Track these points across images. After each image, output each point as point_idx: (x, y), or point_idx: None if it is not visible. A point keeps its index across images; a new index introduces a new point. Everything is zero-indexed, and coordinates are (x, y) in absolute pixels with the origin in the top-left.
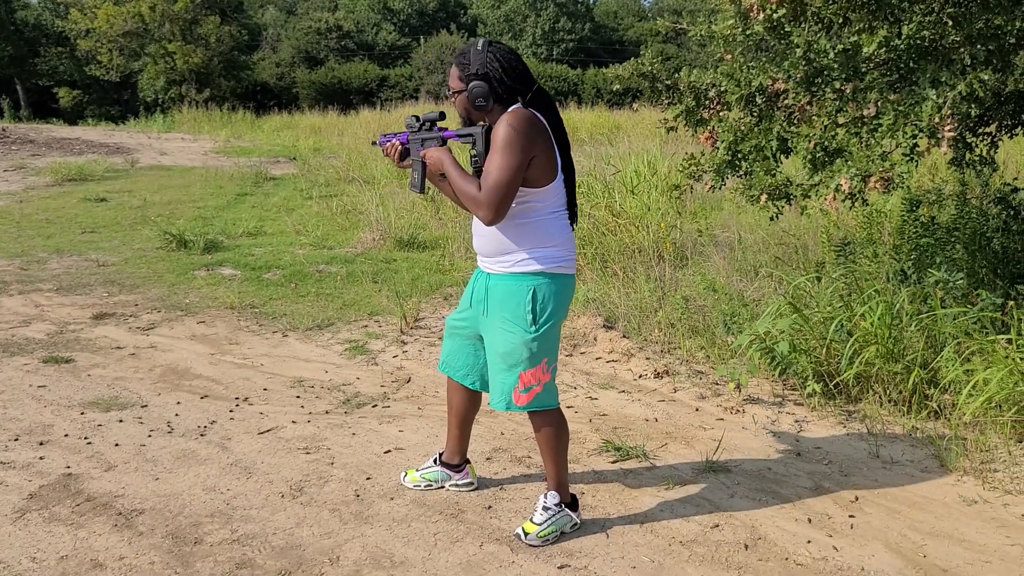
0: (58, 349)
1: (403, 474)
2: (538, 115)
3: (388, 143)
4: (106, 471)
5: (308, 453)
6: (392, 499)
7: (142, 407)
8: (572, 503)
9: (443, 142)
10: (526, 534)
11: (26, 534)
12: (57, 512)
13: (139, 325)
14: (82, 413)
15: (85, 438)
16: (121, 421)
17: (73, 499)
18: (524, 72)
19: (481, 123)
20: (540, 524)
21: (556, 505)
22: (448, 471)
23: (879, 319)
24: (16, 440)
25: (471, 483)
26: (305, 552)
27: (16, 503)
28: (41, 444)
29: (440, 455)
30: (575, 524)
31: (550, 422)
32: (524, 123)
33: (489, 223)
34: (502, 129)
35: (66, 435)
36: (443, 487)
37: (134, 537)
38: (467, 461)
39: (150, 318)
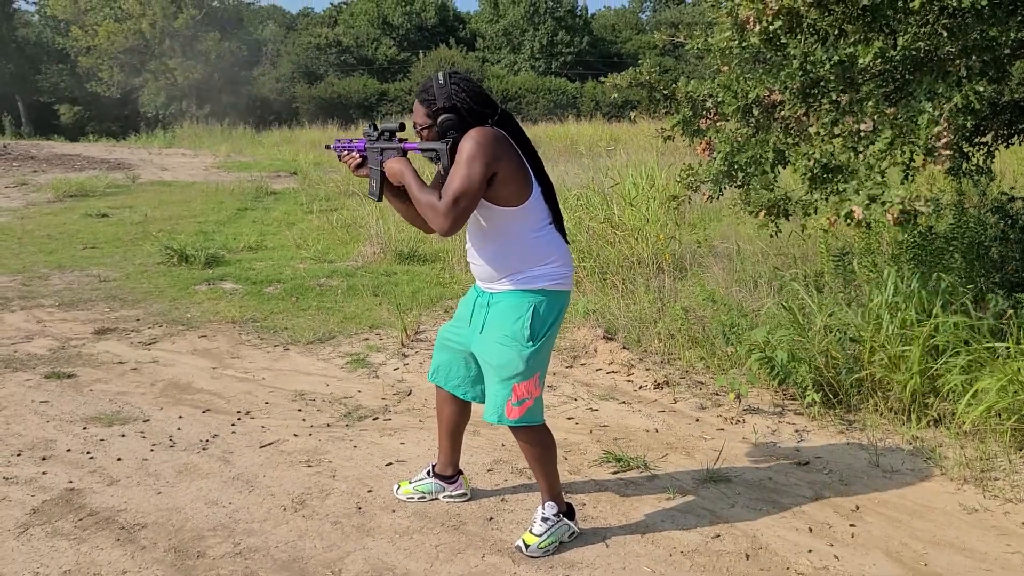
0: (60, 364)
1: (396, 486)
2: (503, 133)
3: (344, 150)
4: (108, 486)
5: (310, 466)
6: (394, 511)
7: (144, 421)
8: (569, 512)
9: (403, 153)
10: (527, 546)
11: (29, 549)
12: (60, 527)
13: (141, 340)
14: (84, 428)
15: (87, 453)
16: (123, 436)
17: (76, 514)
18: (489, 97)
19: (444, 140)
20: (540, 535)
21: (555, 515)
22: (441, 482)
23: (879, 328)
24: (19, 455)
25: (464, 494)
26: (308, 565)
27: (19, 518)
28: (44, 459)
29: (433, 467)
30: (573, 533)
31: (537, 437)
32: (489, 137)
33: (444, 232)
34: (467, 143)
35: (68, 450)
36: (437, 498)
37: (137, 551)
38: (460, 472)
39: (152, 333)
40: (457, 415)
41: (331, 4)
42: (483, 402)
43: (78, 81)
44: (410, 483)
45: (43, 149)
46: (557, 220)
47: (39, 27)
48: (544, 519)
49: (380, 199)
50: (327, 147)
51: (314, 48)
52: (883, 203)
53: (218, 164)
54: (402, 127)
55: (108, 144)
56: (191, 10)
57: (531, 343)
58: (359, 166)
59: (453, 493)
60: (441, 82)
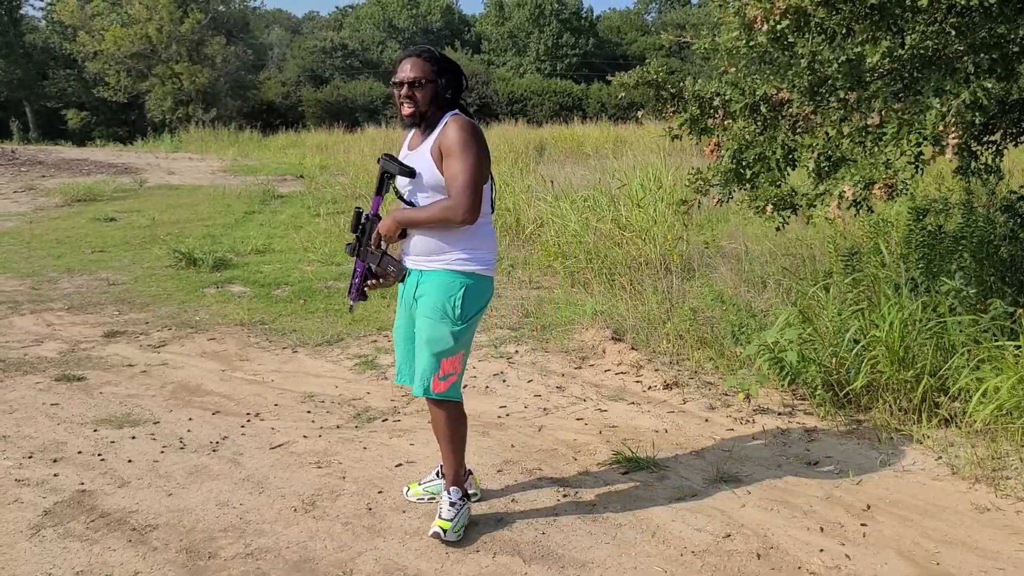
0: (70, 367)
1: (406, 488)
2: (476, 123)
3: (365, 286)
4: (120, 487)
5: (320, 467)
6: (404, 512)
7: (154, 424)
8: (465, 495)
9: (378, 218)
10: (444, 531)
11: (42, 550)
12: (72, 528)
13: (150, 343)
14: (95, 430)
15: (99, 455)
16: (134, 438)
17: (87, 515)
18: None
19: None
20: (452, 519)
21: (460, 499)
22: None
23: (889, 327)
24: (30, 457)
25: (475, 494)
26: (319, 565)
27: (31, 520)
28: (55, 461)
29: (441, 467)
30: (469, 512)
31: (456, 412)
32: (472, 126)
33: (469, 223)
34: (454, 133)
35: (80, 452)
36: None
37: (148, 552)
38: (469, 472)
39: (161, 336)
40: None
41: (336, 8)
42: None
43: (85, 86)
44: (419, 484)
45: (51, 154)
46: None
47: (46, 32)
48: (452, 504)
49: (401, 276)
50: (351, 310)
51: (319, 51)
52: (868, 183)
53: (225, 168)
54: (358, 211)
55: (115, 149)
56: (197, 14)
57: (460, 321)
58: (378, 275)
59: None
60: (438, 53)
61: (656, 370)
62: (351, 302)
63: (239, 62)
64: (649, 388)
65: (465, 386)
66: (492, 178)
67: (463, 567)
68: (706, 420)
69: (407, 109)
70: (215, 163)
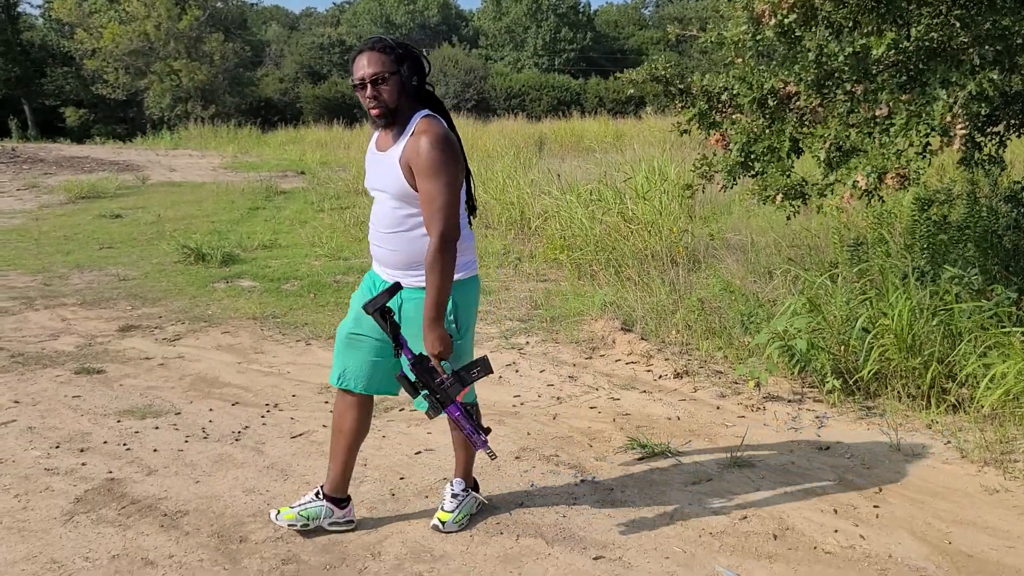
0: (88, 360)
1: (274, 512)
2: (448, 131)
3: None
4: (147, 475)
5: None
6: (427, 497)
7: (176, 414)
8: (475, 486)
9: (423, 356)
10: (443, 523)
11: (77, 535)
12: (104, 515)
13: (165, 336)
14: (118, 421)
15: (124, 444)
16: (157, 428)
17: (118, 502)
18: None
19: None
20: (452, 511)
21: (463, 491)
22: (332, 506)
23: (898, 316)
24: (57, 448)
25: (351, 522)
26: (348, 548)
27: (64, 507)
28: (82, 451)
29: (322, 487)
30: (480, 504)
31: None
32: (444, 142)
33: (457, 237)
34: (426, 151)
35: (105, 442)
36: (321, 525)
37: (181, 537)
38: (349, 497)
39: (175, 329)
40: (358, 427)
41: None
42: (393, 392)
43: (83, 83)
44: (292, 508)
45: (51, 151)
46: (470, 201)
47: (44, 30)
48: (454, 495)
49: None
50: (493, 456)
51: (317, 48)
52: (881, 173)
53: (226, 165)
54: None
55: (115, 146)
56: (195, 11)
57: (459, 335)
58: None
59: (340, 520)
60: (387, 38)
61: (666, 359)
62: (491, 452)
63: (237, 59)
64: (660, 377)
65: None
66: (469, 171)
67: (488, 549)
68: (717, 408)
69: (375, 110)
70: (216, 160)
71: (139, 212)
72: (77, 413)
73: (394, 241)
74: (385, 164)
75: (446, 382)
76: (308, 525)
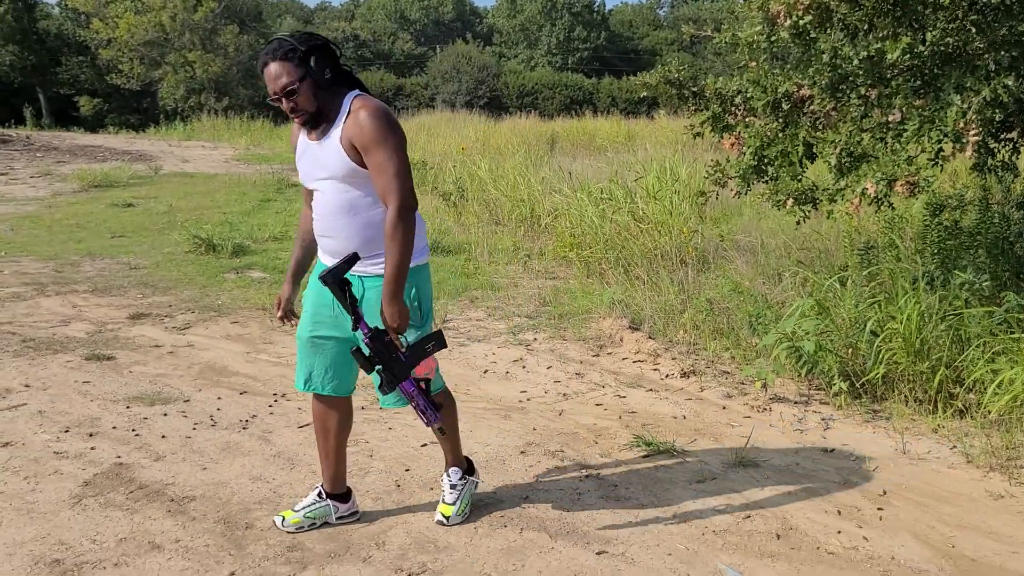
0: (99, 347)
1: (280, 518)
2: (384, 103)
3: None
4: (155, 461)
5: (348, 446)
6: (431, 489)
7: (184, 402)
8: (470, 468)
9: (380, 330)
10: (447, 518)
11: (85, 518)
12: (112, 498)
13: (175, 325)
14: (127, 407)
15: (132, 430)
16: (165, 415)
17: (126, 487)
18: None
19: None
20: (454, 503)
21: (460, 479)
22: (336, 503)
23: (907, 320)
24: (67, 432)
25: (356, 512)
26: (352, 537)
27: (72, 490)
28: (91, 436)
29: (322, 486)
30: (477, 484)
31: (446, 401)
32: (383, 112)
33: (416, 205)
34: (368, 123)
35: (114, 427)
36: (328, 522)
37: (188, 522)
38: (350, 490)
39: (185, 318)
40: (344, 423)
41: None
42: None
43: (98, 73)
44: (295, 511)
45: (64, 140)
46: None
47: (60, 19)
48: (452, 486)
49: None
50: (442, 431)
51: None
52: (891, 180)
53: (238, 156)
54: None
55: (128, 136)
56: (210, 3)
57: (423, 321)
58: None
59: (345, 514)
60: (287, 33)
61: (673, 359)
62: (438, 425)
63: (252, 51)
64: (667, 376)
65: (486, 371)
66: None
67: (491, 541)
68: (723, 407)
69: (299, 118)
70: (228, 151)
71: (151, 202)
72: (87, 398)
73: (348, 228)
74: (326, 150)
75: (403, 356)
76: (315, 524)
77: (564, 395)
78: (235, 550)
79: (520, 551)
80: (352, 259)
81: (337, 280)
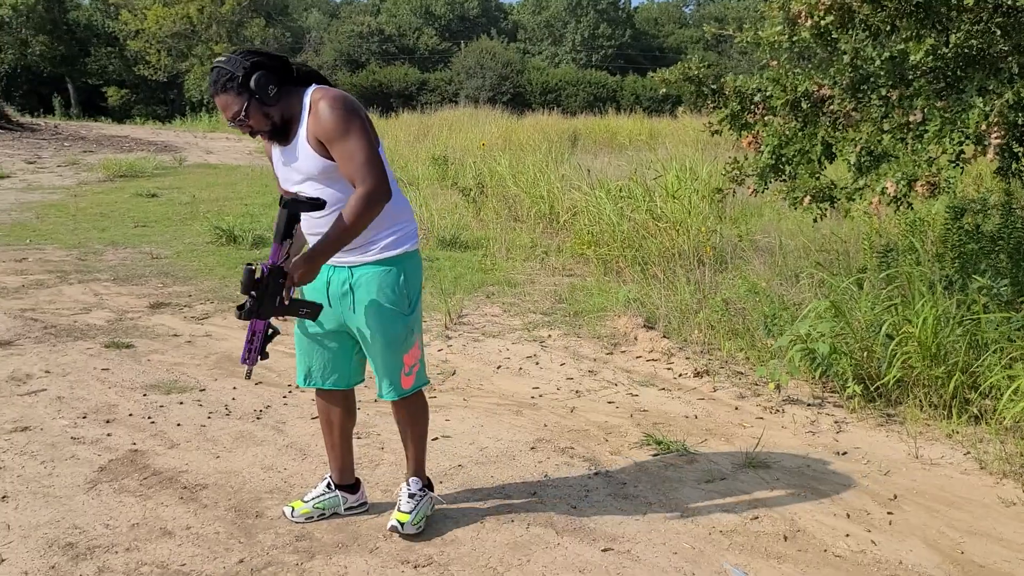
0: (118, 335)
1: (289, 509)
2: (342, 90)
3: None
4: (170, 448)
5: (359, 438)
6: (441, 482)
7: (200, 391)
8: (429, 484)
9: (280, 270)
10: (402, 525)
11: (99, 503)
12: (126, 484)
13: (194, 315)
14: (144, 395)
15: (148, 418)
16: (181, 403)
17: (140, 473)
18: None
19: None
20: (411, 512)
21: (420, 490)
22: (345, 494)
23: (923, 324)
24: (84, 418)
25: (365, 504)
26: (360, 528)
27: (88, 475)
28: (107, 422)
29: (330, 476)
30: (435, 503)
31: (419, 403)
32: (341, 100)
33: (389, 196)
34: (327, 114)
35: (130, 414)
36: (337, 513)
37: (199, 509)
38: (359, 480)
39: (204, 308)
40: (348, 414)
41: None
42: (361, 380)
43: (126, 64)
44: (305, 501)
45: (92, 130)
46: None
47: (90, 10)
48: (411, 495)
49: (316, 313)
50: (248, 375)
51: (356, 36)
52: (911, 180)
53: (261, 149)
54: (249, 272)
55: (154, 127)
56: None
57: (411, 309)
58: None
59: (354, 504)
60: (224, 58)
61: (687, 358)
62: (247, 367)
63: (277, 45)
64: (680, 375)
65: (499, 367)
66: (380, 142)
67: (498, 535)
68: (736, 408)
69: (262, 136)
70: (251, 144)
71: (174, 192)
72: (105, 385)
73: (323, 223)
74: (296, 151)
75: (279, 300)
76: (324, 514)
77: (576, 392)
78: (245, 538)
79: (526, 546)
80: (318, 205)
81: (294, 210)
